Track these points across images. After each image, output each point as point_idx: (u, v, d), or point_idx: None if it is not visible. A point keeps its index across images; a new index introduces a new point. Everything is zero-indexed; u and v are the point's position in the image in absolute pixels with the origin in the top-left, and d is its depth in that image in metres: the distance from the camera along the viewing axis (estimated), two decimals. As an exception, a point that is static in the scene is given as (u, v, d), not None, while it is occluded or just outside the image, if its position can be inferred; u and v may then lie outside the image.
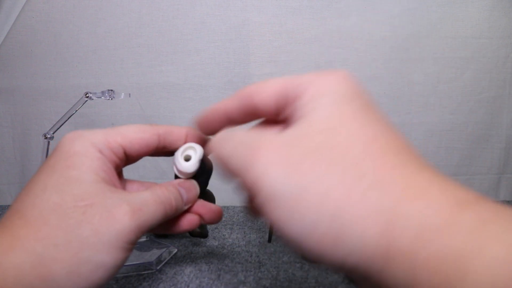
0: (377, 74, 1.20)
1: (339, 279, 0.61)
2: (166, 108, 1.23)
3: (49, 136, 0.73)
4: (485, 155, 1.19)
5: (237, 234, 0.88)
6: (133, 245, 0.23)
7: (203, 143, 0.30)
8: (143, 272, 0.66)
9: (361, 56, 1.20)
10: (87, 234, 0.21)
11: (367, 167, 0.17)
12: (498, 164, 1.19)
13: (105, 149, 0.25)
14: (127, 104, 1.24)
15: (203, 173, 0.29)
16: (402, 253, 0.15)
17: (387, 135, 0.20)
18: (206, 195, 0.35)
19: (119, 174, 0.29)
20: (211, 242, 0.82)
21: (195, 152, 0.28)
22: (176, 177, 0.29)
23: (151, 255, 0.71)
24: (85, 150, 0.24)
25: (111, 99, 0.73)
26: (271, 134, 0.19)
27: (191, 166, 0.28)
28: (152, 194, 0.25)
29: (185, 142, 0.29)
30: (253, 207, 0.21)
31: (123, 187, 0.29)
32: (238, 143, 0.20)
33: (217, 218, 0.30)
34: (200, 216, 0.29)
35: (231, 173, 0.21)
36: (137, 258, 0.70)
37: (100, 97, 0.73)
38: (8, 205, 0.25)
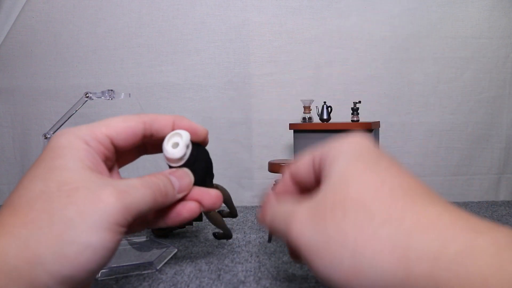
0: (377, 74, 1.20)
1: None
2: (166, 108, 1.23)
3: (49, 136, 0.73)
4: (485, 155, 1.19)
5: (237, 234, 0.88)
6: (123, 227, 0.23)
7: (192, 130, 0.29)
8: (143, 272, 0.66)
9: (361, 56, 1.20)
10: (71, 215, 0.21)
11: (377, 209, 0.20)
12: (498, 164, 1.19)
13: (90, 140, 0.25)
14: (127, 104, 1.24)
15: (196, 160, 0.29)
16: (422, 278, 0.16)
17: (395, 179, 0.22)
18: (218, 189, 0.35)
19: (112, 169, 0.28)
20: (211, 242, 0.82)
21: (181, 138, 0.28)
22: (170, 167, 0.29)
23: (151, 255, 0.71)
24: (70, 143, 0.24)
25: (111, 99, 0.73)
26: (303, 202, 0.24)
27: (177, 152, 0.27)
28: (139, 179, 0.25)
29: (173, 130, 0.29)
30: (297, 256, 0.24)
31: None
32: (281, 214, 0.25)
33: (216, 202, 0.29)
34: (199, 202, 0.29)
35: (279, 236, 0.26)
36: (137, 258, 0.70)
37: (100, 97, 0.73)
38: (8, 205, 0.25)
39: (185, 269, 0.67)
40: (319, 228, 0.21)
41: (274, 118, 1.19)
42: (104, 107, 1.21)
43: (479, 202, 1.17)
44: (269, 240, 0.84)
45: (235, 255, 0.74)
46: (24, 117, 1.24)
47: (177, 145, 0.28)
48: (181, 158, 0.28)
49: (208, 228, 0.93)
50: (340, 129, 0.93)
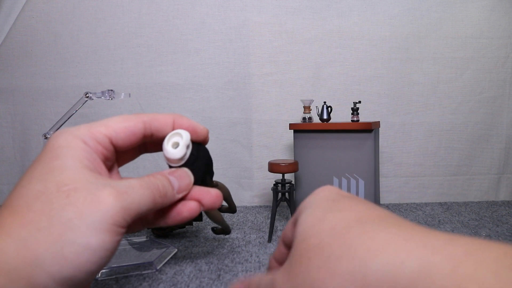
0: (377, 74, 1.20)
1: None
2: (166, 108, 1.24)
3: (49, 136, 0.72)
4: (485, 155, 1.19)
5: (237, 234, 0.88)
6: (122, 228, 0.23)
7: (192, 129, 0.29)
8: (143, 272, 0.66)
9: (361, 56, 1.20)
10: (70, 216, 0.21)
11: (333, 246, 0.21)
12: (498, 164, 1.19)
13: (89, 141, 0.25)
14: (127, 104, 1.24)
15: (197, 160, 0.29)
16: None
17: (351, 215, 0.23)
18: (217, 188, 0.35)
19: (112, 168, 0.28)
20: (211, 242, 0.82)
21: (182, 138, 0.28)
22: (170, 167, 0.29)
23: (151, 255, 0.71)
24: (69, 143, 0.24)
25: (111, 99, 0.73)
26: (283, 265, 0.25)
27: (177, 152, 0.27)
28: (138, 180, 0.25)
29: (173, 129, 0.29)
30: None
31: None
32: (266, 285, 0.27)
33: (216, 202, 0.29)
34: (199, 202, 0.28)
35: None
36: (137, 258, 0.70)
37: (100, 97, 0.73)
38: (8, 205, 0.25)
39: (185, 269, 0.67)
40: (292, 282, 0.22)
41: (274, 118, 1.19)
42: (104, 107, 1.21)
43: (479, 202, 1.17)
44: (269, 240, 0.84)
45: (235, 255, 0.74)
46: (24, 117, 1.24)
47: (177, 145, 0.28)
48: (181, 158, 0.28)
49: (208, 228, 0.93)
50: (340, 129, 0.93)
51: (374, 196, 0.91)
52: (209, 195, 0.29)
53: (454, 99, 1.18)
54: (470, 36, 1.16)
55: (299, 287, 0.21)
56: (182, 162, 0.28)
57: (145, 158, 1.22)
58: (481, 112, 1.18)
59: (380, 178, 1.12)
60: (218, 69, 1.20)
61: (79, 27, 1.20)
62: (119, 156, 0.28)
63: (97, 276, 0.62)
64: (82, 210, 0.21)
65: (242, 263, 0.69)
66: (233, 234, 0.88)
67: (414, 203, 1.17)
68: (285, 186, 0.85)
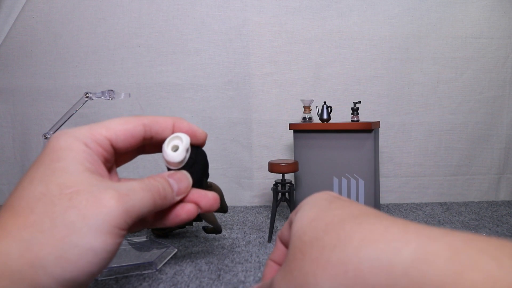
0: (377, 74, 1.20)
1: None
2: (166, 108, 1.24)
3: (49, 136, 0.72)
4: (485, 155, 1.19)
5: (237, 234, 0.88)
6: (124, 230, 0.23)
7: (191, 133, 0.29)
8: (143, 272, 0.66)
9: (361, 56, 1.20)
10: (73, 219, 0.21)
11: (327, 239, 0.21)
12: (498, 164, 1.19)
13: (90, 142, 0.25)
14: (127, 104, 1.24)
15: (195, 163, 0.29)
16: (381, 287, 0.17)
17: (345, 211, 0.23)
18: (211, 189, 0.35)
19: (111, 169, 0.28)
20: (211, 242, 0.82)
21: (182, 141, 0.28)
22: (169, 169, 0.29)
23: (151, 255, 0.71)
24: (70, 144, 0.24)
25: (111, 99, 0.73)
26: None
27: (177, 155, 0.28)
28: (139, 182, 0.25)
29: (173, 132, 0.29)
30: None
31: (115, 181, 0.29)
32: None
33: (214, 205, 0.30)
34: (197, 204, 0.29)
35: None
36: (137, 258, 0.70)
37: (100, 97, 0.73)
38: (8, 205, 0.25)
39: (185, 269, 0.67)
40: (288, 279, 0.22)
41: (274, 118, 1.19)
42: (104, 107, 1.21)
43: (479, 202, 1.17)
44: (269, 240, 0.84)
45: (235, 255, 0.74)
46: (24, 117, 1.24)
47: (177, 148, 0.28)
48: (181, 162, 0.28)
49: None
50: (340, 129, 0.93)
51: (374, 196, 0.91)
52: (207, 198, 0.29)
53: (454, 99, 1.18)
54: (470, 36, 1.16)
55: (293, 283, 0.21)
56: (181, 165, 0.29)
57: (145, 158, 1.22)
58: (481, 112, 1.18)
59: (380, 178, 1.12)
60: (218, 69, 1.20)
61: (79, 27, 1.20)
62: (117, 157, 0.29)
63: (97, 276, 0.62)
64: (85, 213, 0.21)
65: (242, 263, 0.69)
66: (233, 234, 0.88)
67: (414, 203, 1.17)
68: (285, 186, 0.85)
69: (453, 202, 1.17)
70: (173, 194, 0.27)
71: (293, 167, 0.85)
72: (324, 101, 1.03)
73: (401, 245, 0.17)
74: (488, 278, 0.14)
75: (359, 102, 0.98)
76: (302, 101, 1.02)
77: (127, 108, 1.22)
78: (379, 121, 0.97)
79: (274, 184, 0.86)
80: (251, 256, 0.73)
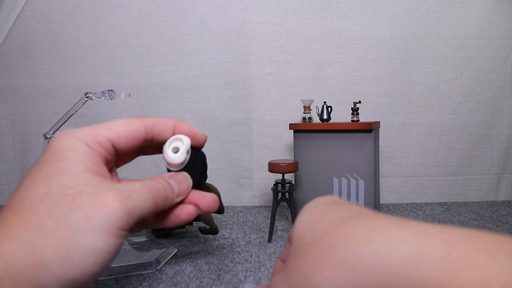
0: (377, 74, 1.20)
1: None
2: (166, 108, 1.24)
3: (49, 136, 0.73)
4: (485, 155, 1.19)
5: (237, 234, 0.88)
6: (125, 231, 0.23)
7: (192, 135, 0.30)
8: (143, 272, 0.66)
9: (361, 56, 1.20)
10: (76, 219, 0.21)
11: (326, 240, 0.21)
12: (498, 164, 1.19)
13: (92, 143, 0.25)
14: (127, 104, 1.24)
15: (195, 164, 0.29)
16: (376, 286, 0.17)
17: (344, 213, 0.24)
18: (209, 190, 0.35)
19: (111, 170, 0.29)
20: (211, 242, 0.82)
21: (182, 143, 0.28)
22: (169, 170, 0.29)
23: (151, 255, 0.71)
24: (72, 145, 0.24)
25: (111, 99, 0.73)
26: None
27: (178, 157, 0.28)
28: (141, 183, 0.25)
29: (173, 134, 0.29)
30: None
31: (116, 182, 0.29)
32: None
33: (213, 206, 0.30)
34: (196, 205, 0.29)
35: None
36: (137, 258, 0.70)
37: (100, 97, 0.73)
38: (8, 205, 0.25)
39: (185, 269, 0.67)
40: (288, 280, 0.22)
41: (274, 118, 1.19)
42: (104, 107, 1.21)
43: (479, 202, 1.17)
44: (269, 240, 0.84)
45: (235, 255, 0.74)
46: (24, 117, 1.24)
47: (177, 150, 0.28)
48: (181, 163, 0.28)
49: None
50: (340, 129, 0.93)
51: (374, 196, 0.91)
52: (206, 199, 0.29)
53: (454, 99, 1.18)
54: (470, 36, 1.16)
55: (293, 283, 0.21)
56: (182, 167, 0.29)
57: (145, 159, 1.22)
58: (481, 112, 1.18)
59: (380, 178, 1.12)
60: (218, 69, 1.20)
61: (79, 27, 1.20)
62: (117, 158, 0.29)
63: (99, 277, 0.62)
64: (88, 214, 0.21)
65: (242, 263, 0.69)
66: (233, 234, 0.89)
67: (414, 203, 1.17)
68: (285, 186, 0.85)
69: (453, 202, 1.17)
70: (174, 195, 0.28)
71: (293, 167, 0.85)
72: (324, 101, 1.03)
73: (398, 243, 0.17)
74: (483, 276, 0.14)
75: (359, 102, 0.98)
76: (302, 101, 1.02)
77: (127, 108, 1.22)
78: (379, 121, 0.97)
79: (274, 184, 0.86)
80: (251, 256, 0.73)
